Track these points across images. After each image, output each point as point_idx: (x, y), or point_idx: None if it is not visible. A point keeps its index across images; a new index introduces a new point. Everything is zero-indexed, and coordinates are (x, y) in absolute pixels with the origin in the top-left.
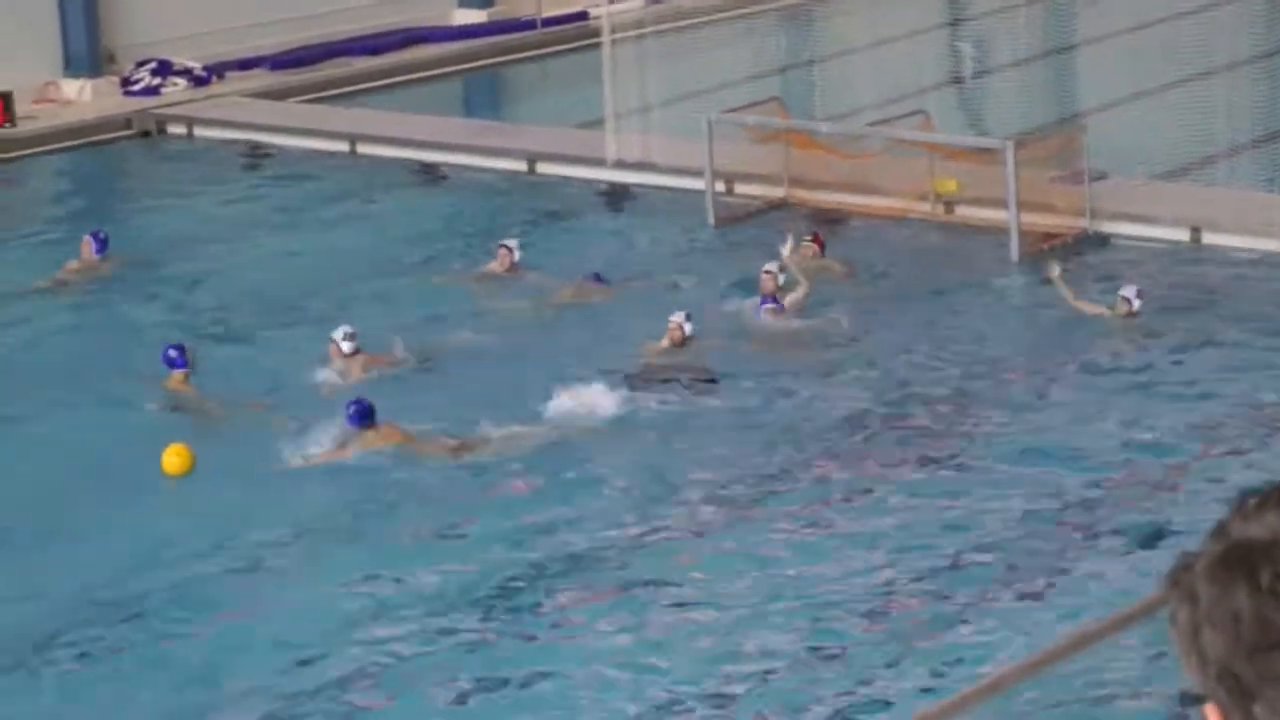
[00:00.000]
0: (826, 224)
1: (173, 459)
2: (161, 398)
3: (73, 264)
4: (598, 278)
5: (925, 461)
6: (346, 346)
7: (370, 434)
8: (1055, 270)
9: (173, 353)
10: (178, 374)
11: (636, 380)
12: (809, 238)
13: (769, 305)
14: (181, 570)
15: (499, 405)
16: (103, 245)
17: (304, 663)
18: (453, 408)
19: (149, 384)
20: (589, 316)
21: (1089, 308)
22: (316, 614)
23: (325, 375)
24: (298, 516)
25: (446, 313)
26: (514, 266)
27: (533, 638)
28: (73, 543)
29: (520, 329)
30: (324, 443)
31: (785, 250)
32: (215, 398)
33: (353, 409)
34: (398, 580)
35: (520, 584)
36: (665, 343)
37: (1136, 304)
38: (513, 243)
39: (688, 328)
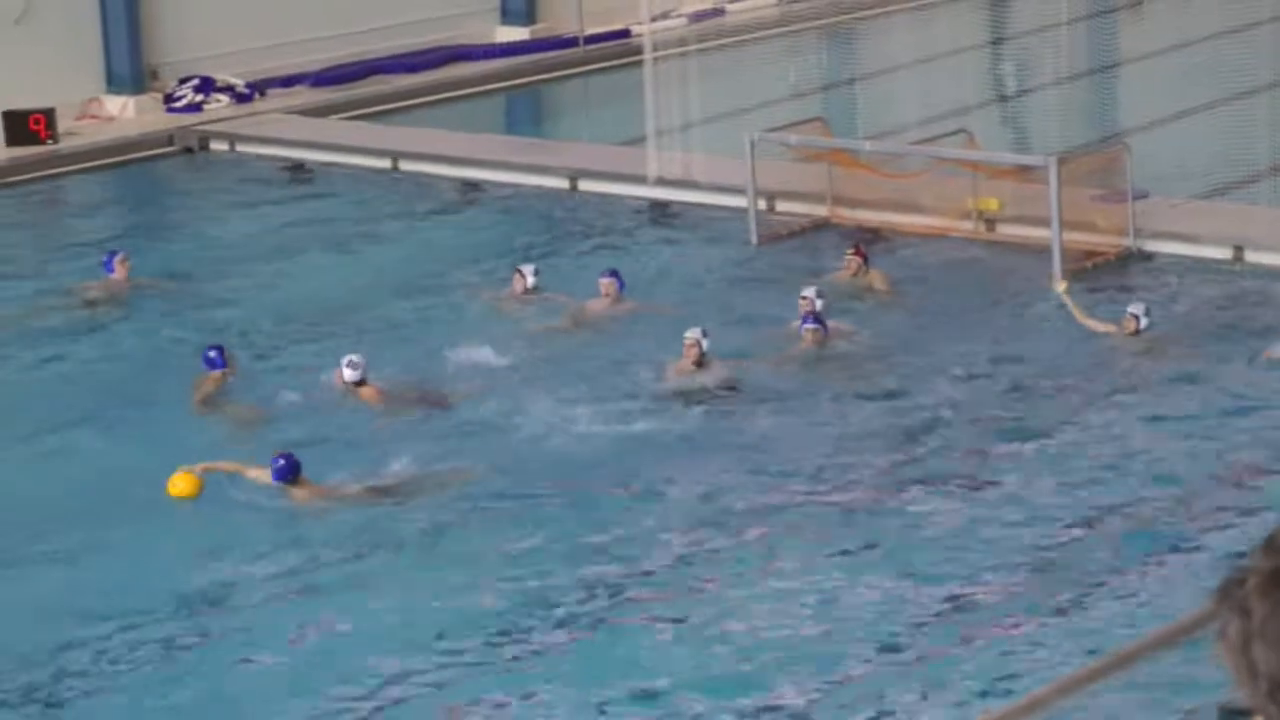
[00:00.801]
0: (868, 243)
1: (179, 484)
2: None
3: (94, 282)
4: (614, 274)
5: (964, 481)
6: (349, 374)
7: (294, 490)
8: (1062, 286)
9: (212, 353)
10: (215, 374)
11: (663, 399)
12: (850, 250)
13: (810, 325)
14: (205, 587)
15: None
16: (110, 263)
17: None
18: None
19: (183, 400)
20: (623, 333)
21: (1097, 325)
22: (362, 636)
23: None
24: (310, 536)
25: (473, 334)
26: (529, 290)
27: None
28: (93, 558)
29: (538, 352)
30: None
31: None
32: (248, 402)
33: (280, 463)
34: (402, 604)
35: (526, 611)
36: (686, 362)
37: (1144, 322)
38: (528, 268)
39: (705, 344)
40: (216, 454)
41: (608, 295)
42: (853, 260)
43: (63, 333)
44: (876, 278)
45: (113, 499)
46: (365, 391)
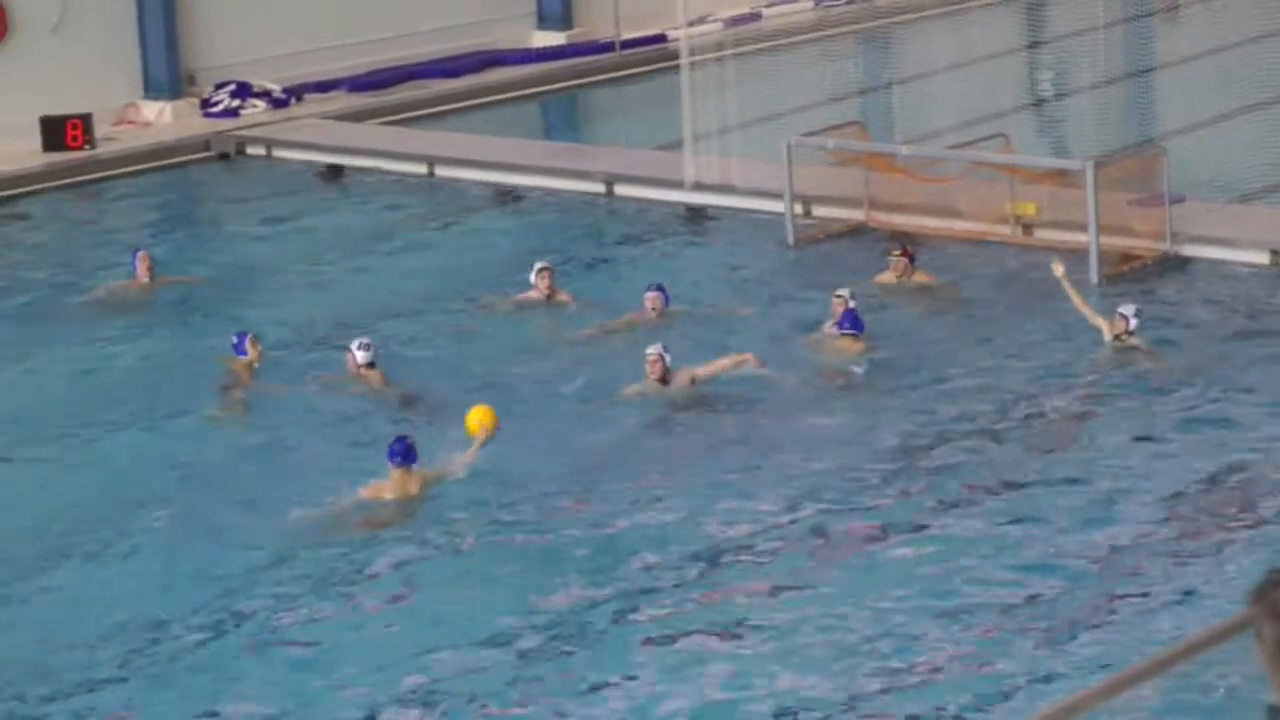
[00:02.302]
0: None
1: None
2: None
3: (120, 282)
4: (659, 289)
5: (1005, 484)
6: (361, 356)
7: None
8: (1060, 269)
9: (236, 339)
10: (243, 359)
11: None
12: (897, 252)
13: (847, 330)
14: (242, 589)
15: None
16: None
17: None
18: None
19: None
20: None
21: (1091, 316)
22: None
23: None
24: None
25: (496, 340)
26: (552, 292)
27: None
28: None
29: (561, 358)
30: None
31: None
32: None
33: (396, 445)
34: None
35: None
36: (649, 381)
37: (1134, 323)
38: (545, 270)
39: (667, 359)
40: (236, 451)
41: (654, 310)
42: (899, 261)
43: (88, 334)
44: (924, 276)
45: (137, 498)
46: (373, 375)
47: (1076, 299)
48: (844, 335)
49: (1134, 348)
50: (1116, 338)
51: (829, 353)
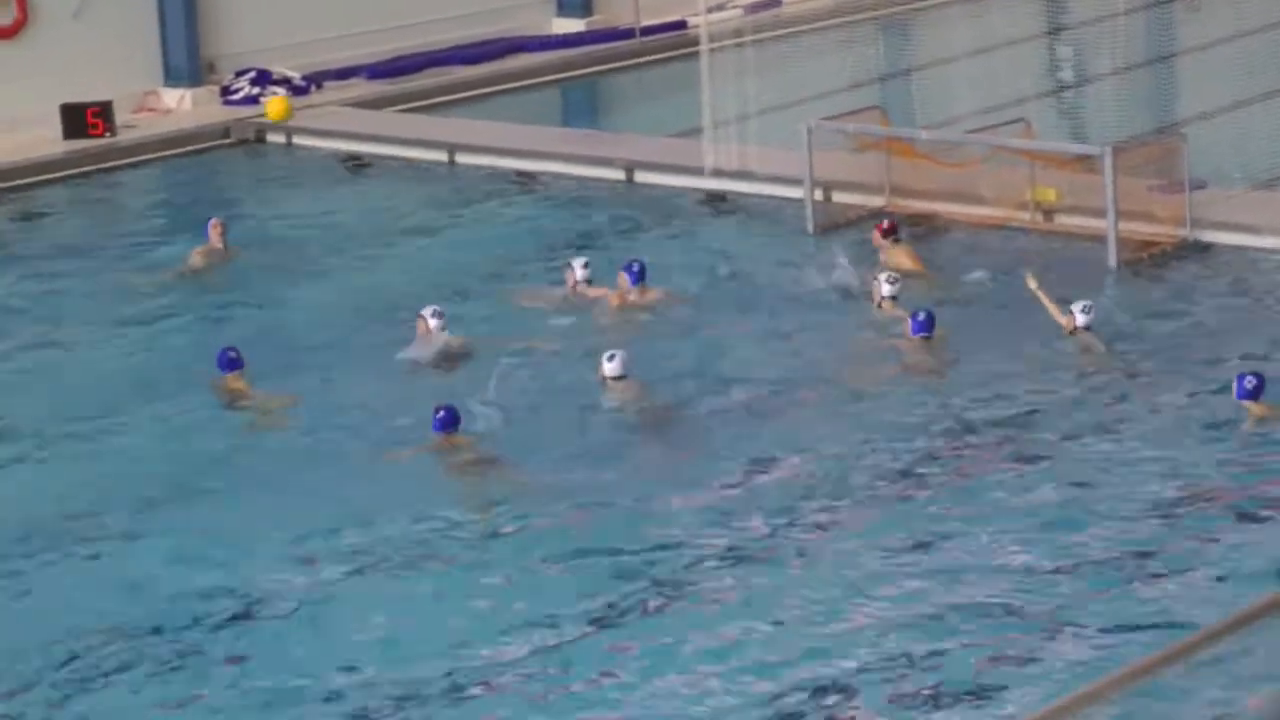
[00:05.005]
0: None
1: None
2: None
3: (199, 250)
4: (640, 272)
5: (1020, 466)
6: (434, 324)
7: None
8: (1033, 283)
9: (232, 354)
10: (233, 375)
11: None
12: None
13: (921, 334)
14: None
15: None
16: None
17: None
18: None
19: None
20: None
21: (1066, 321)
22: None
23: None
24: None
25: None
26: (577, 286)
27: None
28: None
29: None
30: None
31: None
32: (276, 393)
33: (441, 414)
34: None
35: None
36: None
37: (1081, 319)
38: (579, 262)
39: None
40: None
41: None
42: (874, 233)
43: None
44: (901, 253)
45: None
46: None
47: (1052, 309)
48: (917, 338)
49: (1086, 345)
50: (1071, 333)
51: (851, 337)
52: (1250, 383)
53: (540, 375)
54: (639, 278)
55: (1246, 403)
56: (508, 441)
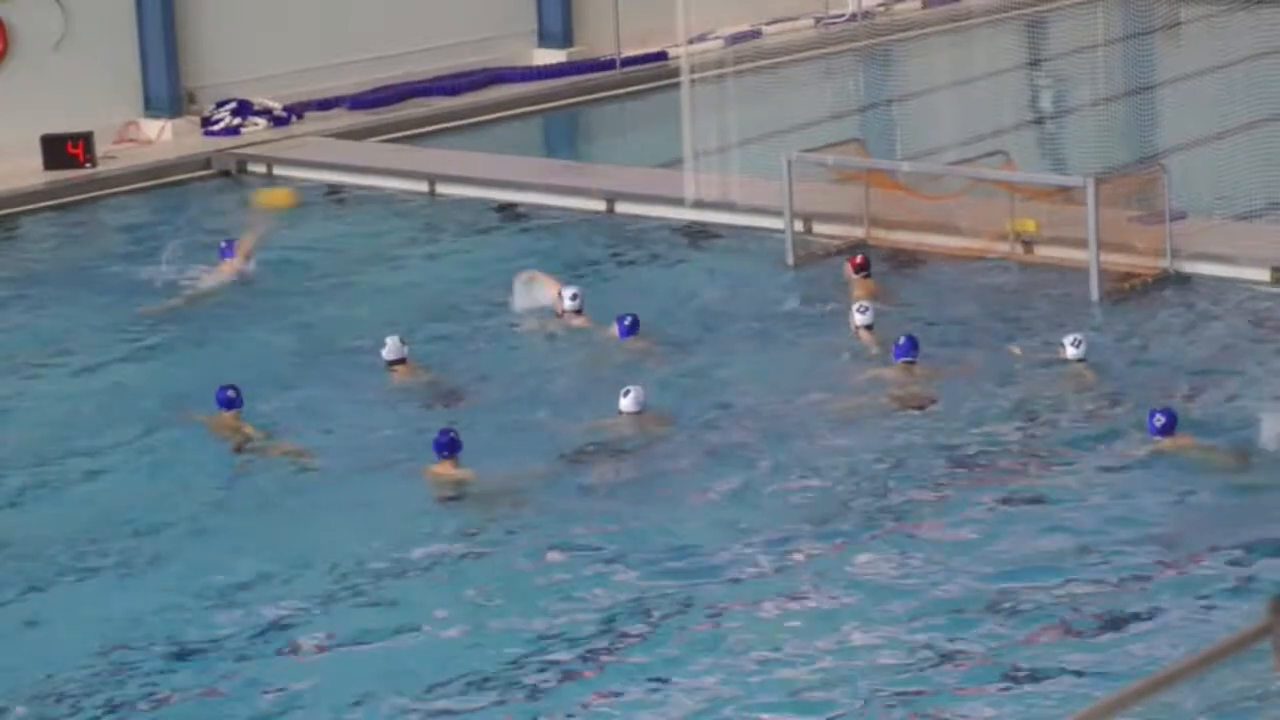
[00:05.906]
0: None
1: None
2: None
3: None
4: (631, 326)
5: (1004, 499)
6: (570, 304)
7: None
8: (1016, 351)
9: (230, 393)
10: (229, 414)
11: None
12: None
13: (906, 359)
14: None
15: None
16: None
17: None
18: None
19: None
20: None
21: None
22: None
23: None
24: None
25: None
26: (565, 314)
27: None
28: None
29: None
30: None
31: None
32: (274, 433)
33: (444, 438)
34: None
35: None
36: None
37: (1071, 351)
38: (568, 292)
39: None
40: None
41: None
42: (846, 268)
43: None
44: (864, 282)
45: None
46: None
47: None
48: (903, 363)
49: (1077, 376)
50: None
51: (835, 367)
52: (1160, 420)
53: (527, 400)
54: (630, 331)
55: (1158, 439)
56: (495, 464)
